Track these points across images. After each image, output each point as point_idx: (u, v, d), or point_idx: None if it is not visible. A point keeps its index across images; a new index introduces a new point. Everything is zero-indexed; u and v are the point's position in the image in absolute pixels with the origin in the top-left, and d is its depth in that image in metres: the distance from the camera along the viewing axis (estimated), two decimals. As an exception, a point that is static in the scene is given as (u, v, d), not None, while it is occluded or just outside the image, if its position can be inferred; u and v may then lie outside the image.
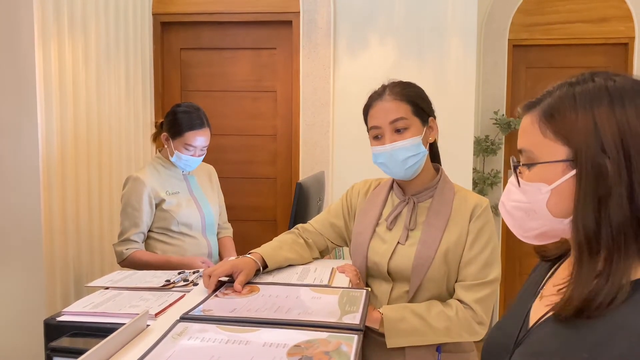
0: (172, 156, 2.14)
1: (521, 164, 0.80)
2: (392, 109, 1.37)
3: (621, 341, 0.64)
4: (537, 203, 0.77)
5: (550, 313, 0.76)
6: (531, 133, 0.78)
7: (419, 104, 1.40)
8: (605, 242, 0.70)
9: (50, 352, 1.09)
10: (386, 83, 1.44)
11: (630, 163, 0.69)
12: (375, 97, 1.42)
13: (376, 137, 1.41)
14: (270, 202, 3.32)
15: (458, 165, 2.98)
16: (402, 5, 3.05)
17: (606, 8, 3.74)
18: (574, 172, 0.73)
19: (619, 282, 0.68)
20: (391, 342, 1.31)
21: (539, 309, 0.81)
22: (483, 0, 3.69)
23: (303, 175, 3.10)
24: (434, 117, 1.45)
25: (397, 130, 1.37)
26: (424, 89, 1.46)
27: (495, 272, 1.35)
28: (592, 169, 0.71)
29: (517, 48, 3.86)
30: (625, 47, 3.76)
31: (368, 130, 1.44)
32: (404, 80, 1.44)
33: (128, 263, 2.07)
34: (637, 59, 3.72)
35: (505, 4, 3.80)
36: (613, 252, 0.70)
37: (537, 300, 0.84)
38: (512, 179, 0.82)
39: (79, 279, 2.38)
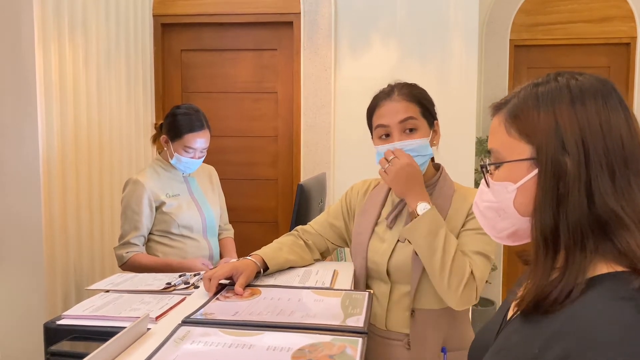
0: (171, 158, 2.13)
1: (488, 163, 0.82)
2: (402, 109, 1.36)
3: (568, 336, 0.64)
4: (505, 202, 0.78)
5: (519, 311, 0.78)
6: (498, 133, 0.80)
7: (427, 106, 1.39)
8: (563, 239, 0.71)
9: (50, 356, 1.08)
10: (392, 83, 1.42)
11: (590, 161, 0.70)
12: (382, 97, 1.40)
13: (382, 136, 1.40)
14: (272, 204, 3.30)
15: (460, 165, 2.97)
16: (403, 6, 3.03)
17: (608, 8, 3.73)
18: (537, 170, 0.74)
19: (574, 279, 0.69)
20: (406, 233, 1.32)
21: (513, 308, 0.83)
22: (484, 0, 3.68)
23: (304, 177, 3.09)
24: (438, 121, 1.44)
25: (406, 131, 1.36)
26: (427, 89, 1.45)
27: (492, 251, 1.33)
28: (553, 167, 0.71)
29: (518, 48, 3.85)
30: (627, 47, 3.75)
31: (373, 129, 1.43)
32: (410, 82, 1.43)
33: (128, 266, 2.06)
34: (639, 58, 3.71)
35: (506, 4, 3.79)
36: (570, 249, 0.70)
37: (517, 303, 0.85)
38: (483, 179, 0.84)
39: (79, 281, 2.37)
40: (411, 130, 1.36)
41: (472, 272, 1.29)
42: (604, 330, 0.62)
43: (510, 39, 3.80)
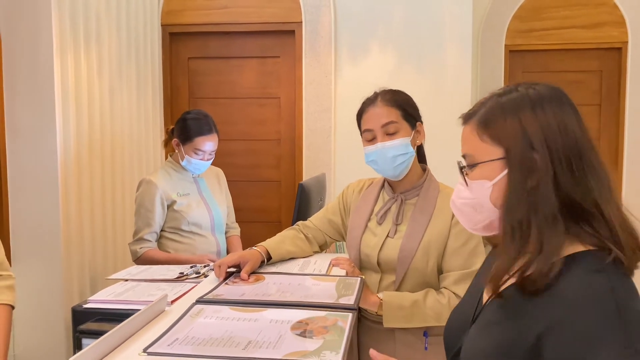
0: (182, 160, 2.27)
1: (465, 165, 0.93)
2: (384, 114, 1.50)
3: (555, 308, 0.77)
4: (482, 198, 0.89)
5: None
6: (471, 140, 0.91)
7: (407, 110, 1.53)
8: (536, 226, 0.82)
9: (80, 334, 1.22)
10: (378, 91, 1.56)
11: (553, 156, 0.82)
12: (368, 103, 1.55)
13: (368, 139, 1.54)
14: (275, 204, 3.44)
15: (455, 169, 3.09)
16: (400, 14, 3.17)
17: (600, 14, 3.84)
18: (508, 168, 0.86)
19: (549, 259, 0.80)
20: (388, 324, 1.43)
21: (489, 289, 0.93)
22: (480, 7, 3.80)
23: (306, 178, 3.23)
24: (421, 122, 1.57)
25: (388, 134, 1.50)
26: (422, 94, 1.59)
27: (481, 262, 1.47)
28: (522, 163, 0.83)
29: (513, 53, 3.95)
30: (618, 51, 3.86)
31: (361, 132, 1.57)
32: (394, 88, 1.57)
33: (142, 261, 2.19)
34: (630, 62, 3.82)
35: (501, 10, 3.91)
36: (543, 232, 0.82)
37: (488, 281, 0.96)
38: (460, 179, 0.95)
39: (94, 276, 2.51)
40: (393, 133, 1.50)
41: (448, 301, 1.43)
42: (581, 295, 0.76)
43: (505, 45, 3.92)
